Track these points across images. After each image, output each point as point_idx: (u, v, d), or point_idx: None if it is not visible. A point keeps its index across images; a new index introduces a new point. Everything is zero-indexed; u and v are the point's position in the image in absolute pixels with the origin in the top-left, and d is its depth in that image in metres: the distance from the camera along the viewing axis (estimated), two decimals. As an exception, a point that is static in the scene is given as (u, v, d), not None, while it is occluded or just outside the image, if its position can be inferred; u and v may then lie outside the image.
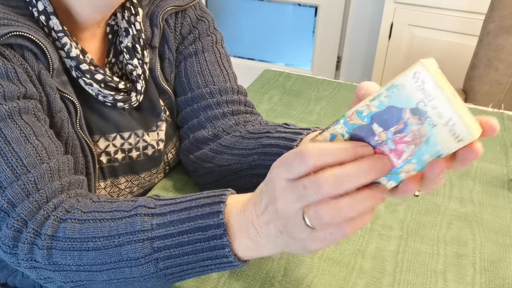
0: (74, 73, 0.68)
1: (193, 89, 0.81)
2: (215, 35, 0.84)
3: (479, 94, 1.74)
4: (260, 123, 0.78)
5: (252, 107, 0.83)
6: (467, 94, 1.78)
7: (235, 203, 0.50)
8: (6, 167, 0.56)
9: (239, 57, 2.96)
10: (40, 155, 0.59)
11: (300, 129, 0.69)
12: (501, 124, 1.09)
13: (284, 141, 0.68)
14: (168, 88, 0.81)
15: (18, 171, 0.57)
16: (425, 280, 0.66)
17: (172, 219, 0.51)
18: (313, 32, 2.81)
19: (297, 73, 1.32)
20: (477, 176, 0.89)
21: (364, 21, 2.59)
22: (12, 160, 0.57)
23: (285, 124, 0.73)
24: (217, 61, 0.82)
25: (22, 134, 0.58)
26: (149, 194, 0.81)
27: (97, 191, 0.73)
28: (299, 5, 2.80)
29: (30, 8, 0.64)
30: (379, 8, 2.39)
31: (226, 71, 0.83)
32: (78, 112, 0.68)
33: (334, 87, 1.24)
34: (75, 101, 0.67)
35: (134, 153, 0.76)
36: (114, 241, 0.52)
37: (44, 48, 0.63)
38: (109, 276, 0.53)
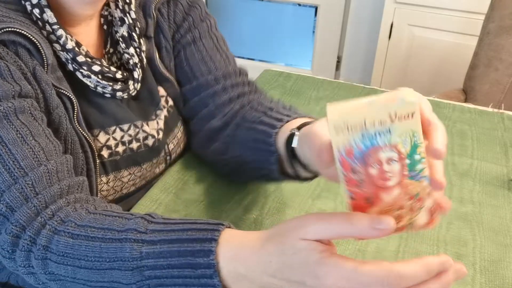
0: (70, 66, 0.68)
1: (197, 77, 0.82)
2: (209, 20, 0.86)
3: (479, 94, 1.74)
4: (257, 105, 0.78)
5: (255, 85, 0.85)
6: (467, 94, 1.78)
7: (231, 239, 0.49)
8: (3, 170, 0.55)
9: (239, 57, 2.96)
10: (38, 156, 0.58)
11: (278, 118, 0.69)
12: (501, 124, 1.09)
13: (262, 135, 0.68)
14: (170, 76, 0.82)
15: (15, 174, 0.56)
16: (425, 280, 0.66)
17: (162, 250, 0.49)
18: (313, 32, 2.81)
19: (297, 73, 1.32)
20: (477, 176, 0.89)
21: (364, 21, 2.59)
22: (9, 162, 0.56)
23: (270, 108, 0.74)
24: (215, 46, 0.84)
25: (18, 135, 0.57)
26: (150, 193, 0.81)
27: (99, 186, 0.73)
28: (299, 5, 2.80)
29: (23, 3, 0.64)
30: (379, 8, 2.39)
31: (226, 54, 0.85)
32: (75, 107, 0.67)
33: (334, 87, 1.24)
34: (72, 97, 0.66)
35: (135, 145, 0.76)
36: (105, 264, 0.51)
37: (38, 44, 0.62)
38: None
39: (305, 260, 0.43)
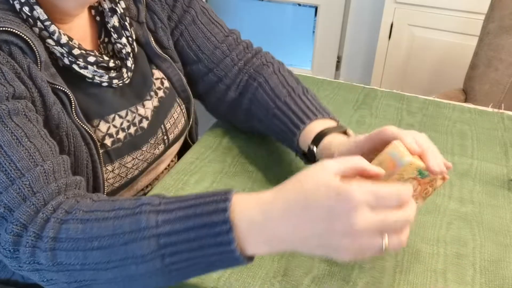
0: (67, 60, 0.69)
1: (206, 54, 0.88)
2: None
3: (479, 94, 1.74)
4: (264, 84, 0.86)
5: (253, 48, 0.93)
6: (467, 94, 1.78)
7: (243, 199, 0.51)
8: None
9: (239, 57, 2.96)
10: (34, 157, 0.58)
11: (295, 122, 0.78)
12: (501, 124, 1.09)
13: (286, 138, 0.80)
14: (168, 56, 0.85)
15: (12, 175, 0.56)
16: (425, 280, 0.66)
17: (178, 216, 0.50)
18: (313, 32, 2.81)
19: (297, 73, 1.32)
20: (477, 176, 0.89)
21: (364, 21, 2.59)
22: (5, 164, 0.56)
23: (278, 97, 0.82)
24: (210, 19, 0.91)
25: (13, 137, 0.57)
26: (150, 193, 0.81)
27: (105, 176, 0.73)
28: (299, 5, 2.81)
29: (11, 1, 0.64)
30: (379, 8, 2.39)
31: (220, 24, 0.92)
32: (72, 101, 0.67)
33: (334, 87, 1.24)
34: (67, 91, 0.67)
35: (132, 129, 0.78)
36: (119, 240, 0.51)
37: (30, 42, 0.62)
38: (114, 274, 0.52)
39: (327, 193, 0.47)
